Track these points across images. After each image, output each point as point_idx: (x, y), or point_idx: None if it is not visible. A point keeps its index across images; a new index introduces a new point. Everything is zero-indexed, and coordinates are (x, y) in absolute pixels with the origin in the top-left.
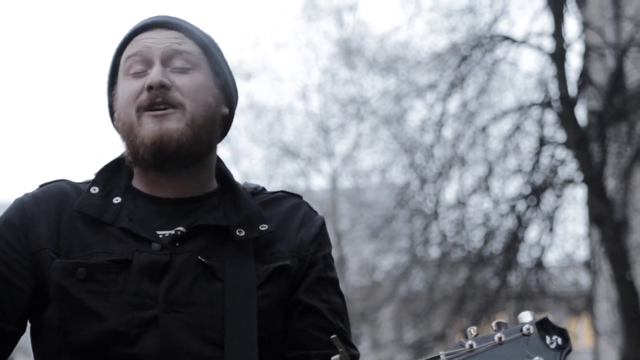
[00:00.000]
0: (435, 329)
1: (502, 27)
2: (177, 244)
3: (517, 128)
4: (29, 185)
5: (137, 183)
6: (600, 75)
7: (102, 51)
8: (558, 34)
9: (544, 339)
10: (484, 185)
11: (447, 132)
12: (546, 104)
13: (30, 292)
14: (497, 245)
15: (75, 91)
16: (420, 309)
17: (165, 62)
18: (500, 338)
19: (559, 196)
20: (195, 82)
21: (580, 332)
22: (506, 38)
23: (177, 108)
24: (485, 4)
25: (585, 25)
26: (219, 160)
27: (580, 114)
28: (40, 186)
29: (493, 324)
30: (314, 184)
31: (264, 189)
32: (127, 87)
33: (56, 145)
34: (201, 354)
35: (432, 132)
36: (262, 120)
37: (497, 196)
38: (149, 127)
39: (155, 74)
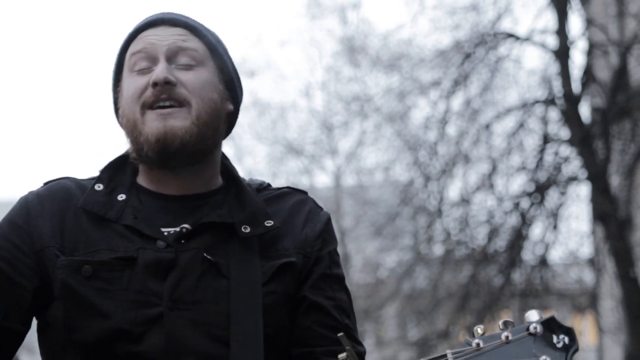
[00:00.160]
0: (439, 326)
1: (506, 25)
2: (182, 241)
3: (521, 125)
4: (29, 185)
5: (141, 180)
6: (604, 72)
7: (102, 52)
8: (562, 32)
9: (551, 338)
10: (487, 182)
11: (451, 130)
12: (550, 102)
13: (34, 290)
14: (501, 242)
15: (75, 91)
16: (424, 306)
17: (170, 58)
18: (507, 337)
19: (562, 193)
20: (200, 79)
21: (585, 330)
22: (510, 35)
23: (182, 105)
24: (488, 2)
25: (589, 22)
26: (224, 157)
27: (584, 111)
28: (45, 184)
29: (500, 322)
30: (317, 182)
31: (269, 185)
32: (132, 83)
33: (56, 145)
34: (206, 351)
35: (435, 129)
36: (265, 117)
37: (501, 194)
38: (153, 124)
39: (160, 71)
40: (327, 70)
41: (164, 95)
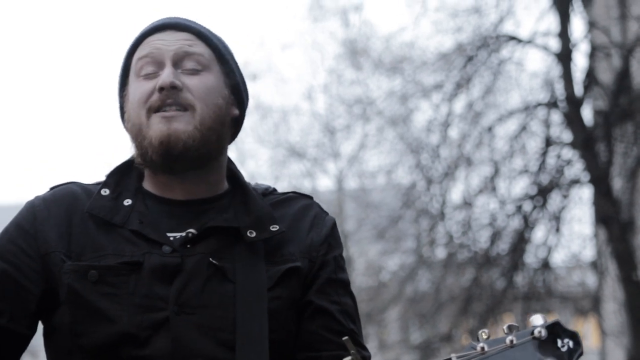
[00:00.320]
0: (442, 329)
1: (508, 27)
2: (188, 246)
3: (523, 128)
4: (29, 185)
5: (147, 185)
6: (606, 75)
7: (103, 52)
8: (564, 34)
9: (555, 342)
10: (490, 185)
11: (453, 133)
12: (552, 104)
13: (39, 294)
14: (503, 245)
15: (75, 92)
16: (426, 309)
17: (177, 63)
18: (511, 341)
19: (565, 196)
20: (206, 84)
21: (587, 333)
22: (512, 38)
23: (187, 110)
24: (491, 4)
25: (591, 25)
26: (230, 162)
27: (587, 114)
28: (51, 189)
29: (504, 327)
30: (320, 185)
31: (274, 189)
32: (138, 88)
33: (56, 145)
34: (212, 355)
35: (438, 132)
36: (268, 120)
37: (503, 196)
38: (157, 127)
39: (166, 76)
40: (329, 73)
41: (170, 99)
